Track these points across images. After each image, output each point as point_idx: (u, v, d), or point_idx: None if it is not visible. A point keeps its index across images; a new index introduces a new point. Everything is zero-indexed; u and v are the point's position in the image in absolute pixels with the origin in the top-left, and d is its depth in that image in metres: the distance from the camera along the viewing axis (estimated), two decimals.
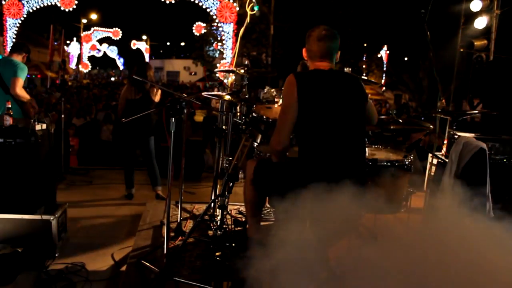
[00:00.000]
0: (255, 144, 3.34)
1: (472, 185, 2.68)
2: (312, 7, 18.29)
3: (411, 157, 3.21)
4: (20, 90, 4.02)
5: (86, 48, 24.34)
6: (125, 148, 4.63)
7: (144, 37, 31.56)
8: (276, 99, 3.40)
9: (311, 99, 2.30)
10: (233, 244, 3.13)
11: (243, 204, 3.55)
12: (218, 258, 3.00)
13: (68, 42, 22.81)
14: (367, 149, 3.34)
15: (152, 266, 2.77)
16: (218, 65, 9.59)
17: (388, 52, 24.22)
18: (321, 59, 2.45)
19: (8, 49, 10.64)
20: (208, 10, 9.36)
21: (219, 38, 9.79)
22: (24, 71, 4.11)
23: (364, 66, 25.19)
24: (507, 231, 1.76)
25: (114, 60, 32.34)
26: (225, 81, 7.52)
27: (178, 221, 3.46)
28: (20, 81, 4.03)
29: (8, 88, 4.01)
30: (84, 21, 24.66)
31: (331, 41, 2.43)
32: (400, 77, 15.78)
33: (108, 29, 24.39)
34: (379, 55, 25.28)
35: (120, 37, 24.62)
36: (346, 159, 2.34)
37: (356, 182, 2.39)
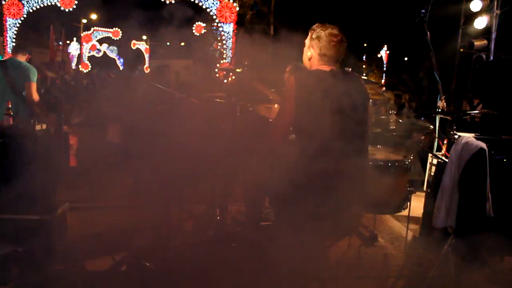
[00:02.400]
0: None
1: (472, 185, 2.69)
2: (312, 7, 18.29)
3: (411, 157, 3.21)
4: (35, 95, 4.11)
5: (86, 48, 24.32)
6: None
7: (144, 37, 31.52)
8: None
9: (308, 99, 2.28)
10: (233, 244, 3.13)
11: (243, 204, 3.55)
12: (218, 258, 3.01)
13: (68, 42, 22.77)
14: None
15: (152, 266, 2.77)
16: (218, 65, 9.60)
17: (388, 52, 24.21)
18: (326, 63, 2.37)
19: (9, 49, 10.64)
20: (208, 10, 9.36)
21: (219, 38, 9.78)
22: (36, 74, 4.19)
23: (364, 66, 25.17)
24: None
25: (114, 60, 32.33)
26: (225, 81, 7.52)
27: (179, 221, 3.46)
28: (35, 86, 4.12)
29: (19, 91, 4.05)
30: (84, 21, 24.63)
31: (344, 46, 2.36)
32: (400, 77, 15.78)
33: (108, 29, 24.37)
34: (379, 55, 25.26)
35: (120, 37, 24.59)
36: (346, 159, 2.33)
37: (357, 182, 2.39)
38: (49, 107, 4.71)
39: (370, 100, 2.56)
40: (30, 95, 4.06)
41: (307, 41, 2.46)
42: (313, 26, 2.43)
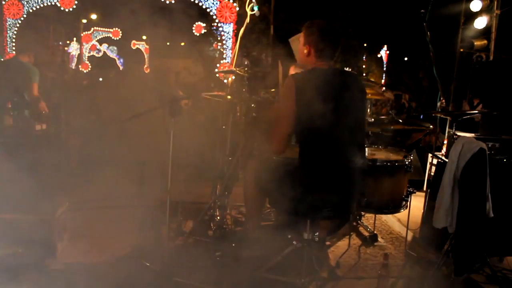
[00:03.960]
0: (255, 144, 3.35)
1: (472, 185, 2.68)
2: (312, 7, 18.28)
3: (411, 157, 3.21)
4: (37, 94, 4.12)
5: (86, 48, 24.31)
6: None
7: (144, 37, 31.45)
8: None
9: (309, 100, 2.29)
10: (233, 244, 3.14)
11: (243, 204, 3.55)
12: (218, 258, 3.01)
13: (68, 42, 22.76)
14: (367, 149, 3.35)
15: (152, 266, 2.77)
16: (218, 65, 9.58)
17: (388, 52, 24.19)
18: (324, 59, 2.42)
19: (9, 49, 10.65)
20: (208, 10, 9.34)
21: (219, 38, 9.75)
22: (37, 74, 4.21)
23: (364, 66, 25.15)
24: None
25: (114, 60, 32.25)
26: (225, 81, 7.50)
27: (178, 221, 3.46)
28: (36, 86, 4.14)
29: (20, 92, 4.06)
30: (84, 21, 24.58)
31: (340, 40, 2.41)
32: (400, 77, 15.78)
33: (108, 29, 24.35)
34: (379, 55, 25.24)
35: (120, 37, 24.59)
36: (346, 158, 2.34)
37: (356, 182, 2.39)
38: (49, 108, 4.72)
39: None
40: (33, 95, 4.09)
41: (302, 38, 2.48)
42: (306, 24, 2.45)
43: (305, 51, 2.44)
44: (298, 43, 2.91)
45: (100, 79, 10.58)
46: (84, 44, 24.16)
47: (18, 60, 4.24)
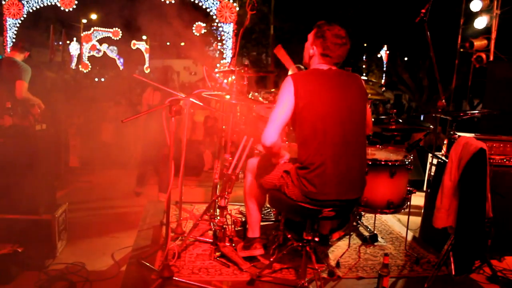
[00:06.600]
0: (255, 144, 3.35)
1: (472, 185, 2.68)
2: (312, 7, 18.28)
3: (411, 157, 3.21)
4: (26, 93, 4.03)
5: (86, 48, 24.31)
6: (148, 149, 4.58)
7: (144, 37, 31.46)
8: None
9: (308, 99, 2.28)
10: (233, 244, 3.14)
11: (243, 204, 3.55)
12: (218, 258, 3.01)
13: (68, 42, 22.77)
14: (367, 149, 3.34)
15: (152, 266, 2.77)
16: (218, 65, 9.58)
17: (388, 52, 24.16)
18: (329, 63, 2.37)
19: (8, 49, 10.65)
20: (208, 10, 9.33)
21: (219, 38, 9.74)
22: (28, 73, 4.11)
23: (364, 66, 25.14)
24: None
25: (114, 60, 32.24)
26: (225, 81, 7.50)
27: (178, 221, 3.46)
28: (25, 85, 4.04)
29: (12, 90, 4.01)
30: (84, 21, 24.58)
31: (347, 48, 2.34)
32: (400, 77, 15.75)
33: (108, 29, 24.36)
34: (379, 55, 25.21)
35: (120, 37, 24.61)
36: (346, 158, 2.33)
37: (356, 181, 2.39)
38: (49, 108, 4.71)
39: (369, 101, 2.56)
40: (19, 94, 3.99)
41: (310, 37, 2.43)
42: (319, 23, 2.37)
43: (311, 51, 2.41)
44: (283, 52, 2.97)
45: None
46: (84, 44, 24.17)
47: (10, 58, 4.15)
